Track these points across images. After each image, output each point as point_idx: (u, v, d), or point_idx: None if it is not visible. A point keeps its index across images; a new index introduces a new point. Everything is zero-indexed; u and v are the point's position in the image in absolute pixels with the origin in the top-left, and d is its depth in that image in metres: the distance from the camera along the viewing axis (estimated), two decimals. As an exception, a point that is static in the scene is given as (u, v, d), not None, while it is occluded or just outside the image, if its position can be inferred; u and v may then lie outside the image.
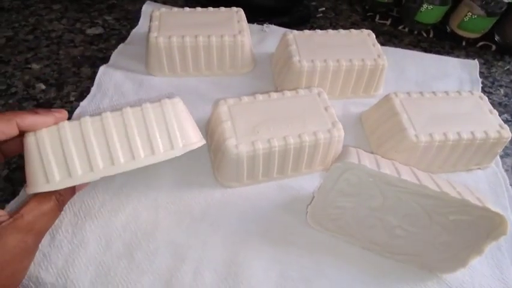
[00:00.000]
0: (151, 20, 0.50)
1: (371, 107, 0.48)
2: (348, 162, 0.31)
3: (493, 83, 0.57)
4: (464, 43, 0.63)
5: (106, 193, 0.39)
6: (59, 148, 0.30)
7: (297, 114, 0.40)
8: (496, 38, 0.63)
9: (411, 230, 0.34)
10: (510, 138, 0.42)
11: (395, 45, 0.62)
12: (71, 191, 0.32)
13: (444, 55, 0.60)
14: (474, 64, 0.58)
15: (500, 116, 0.52)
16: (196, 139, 0.33)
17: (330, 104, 0.42)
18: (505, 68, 0.59)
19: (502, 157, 0.47)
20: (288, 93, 0.42)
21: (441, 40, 0.64)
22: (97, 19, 0.61)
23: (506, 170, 0.46)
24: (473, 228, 0.31)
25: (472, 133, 0.41)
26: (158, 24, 0.50)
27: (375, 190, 0.32)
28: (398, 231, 0.34)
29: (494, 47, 0.62)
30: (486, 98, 0.45)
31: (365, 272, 0.36)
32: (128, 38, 0.56)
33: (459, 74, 0.57)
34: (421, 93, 0.45)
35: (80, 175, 0.30)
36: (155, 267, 0.35)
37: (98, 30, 0.59)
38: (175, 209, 0.39)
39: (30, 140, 0.30)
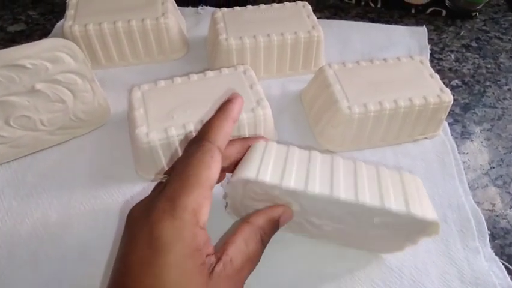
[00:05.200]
0: (67, 9, 0.47)
1: (308, 83, 0.44)
2: (242, 179, 0.26)
3: (443, 48, 0.54)
4: (413, 10, 0.60)
5: (14, 199, 0.36)
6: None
7: (217, 95, 0.37)
8: (447, 2, 0.60)
9: (339, 227, 0.30)
10: (452, 102, 0.39)
11: (342, 19, 0.58)
12: (276, 228, 0.27)
13: (393, 24, 0.57)
14: (422, 31, 0.55)
15: (450, 81, 0.50)
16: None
17: (257, 82, 0.39)
18: (460, 34, 0.56)
19: (451, 124, 0.44)
20: (210, 74, 0.39)
21: (389, 9, 0.60)
22: (20, 15, 0.57)
23: (455, 138, 0.43)
24: (402, 227, 0.27)
25: (410, 99, 0.38)
26: (74, 13, 0.46)
27: (287, 198, 0.28)
28: (325, 227, 0.30)
29: (444, 12, 0.59)
30: (427, 62, 0.42)
31: (297, 257, 0.33)
32: (52, 32, 0.53)
33: (407, 42, 0.54)
34: (357, 62, 0.42)
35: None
36: (62, 274, 0.31)
37: (20, 27, 0.55)
38: (89, 209, 0.35)
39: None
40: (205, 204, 0.23)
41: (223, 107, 0.29)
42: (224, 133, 0.27)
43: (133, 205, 0.25)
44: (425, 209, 0.26)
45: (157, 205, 0.22)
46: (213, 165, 0.24)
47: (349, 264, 0.33)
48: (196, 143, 0.26)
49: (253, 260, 0.25)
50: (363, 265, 0.33)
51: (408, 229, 0.27)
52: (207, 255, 0.22)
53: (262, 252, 0.26)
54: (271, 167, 0.26)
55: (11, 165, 0.38)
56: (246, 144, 0.29)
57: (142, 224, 0.22)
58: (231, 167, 0.29)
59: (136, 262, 0.21)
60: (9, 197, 0.36)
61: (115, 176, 0.38)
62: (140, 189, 0.37)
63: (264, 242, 0.26)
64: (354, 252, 0.33)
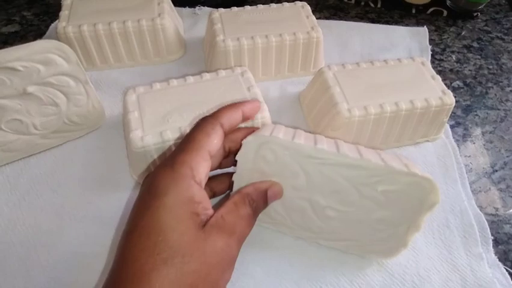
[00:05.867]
0: (61, 9, 0.46)
1: (307, 85, 0.44)
2: (258, 136, 0.28)
3: (444, 49, 0.54)
4: (414, 10, 0.59)
5: (6, 204, 0.35)
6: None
7: (214, 98, 0.36)
8: (448, 2, 0.59)
9: (343, 209, 0.30)
10: (454, 105, 0.38)
11: (341, 19, 0.57)
12: (263, 199, 0.29)
13: (394, 25, 0.56)
14: (423, 31, 0.54)
15: (452, 83, 0.49)
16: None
17: (255, 84, 0.38)
18: (461, 34, 0.55)
19: (452, 127, 0.44)
20: (207, 76, 0.38)
21: (389, 9, 0.60)
22: (15, 16, 0.56)
23: (457, 140, 0.42)
24: (404, 199, 0.28)
25: (412, 102, 0.37)
26: (68, 14, 0.45)
27: (294, 166, 0.28)
28: (328, 212, 0.30)
29: (445, 13, 0.59)
30: (428, 64, 0.41)
31: (296, 265, 0.32)
32: (46, 33, 0.52)
33: (408, 42, 0.53)
34: (357, 63, 0.41)
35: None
36: (55, 282, 0.30)
37: (14, 28, 0.54)
38: (82, 215, 0.34)
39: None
40: (203, 165, 0.26)
41: (239, 102, 0.32)
42: (230, 116, 0.29)
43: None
44: (423, 172, 0.27)
45: (161, 164, 0.26)
46: (213, 135, 0.27)
47: (350, 271, 0.32)
48: (201, 120, 0.29)
49: (245, 219, 0.26)
50: (364, 272, 0.32)
51: (411, 201, 0.28)
52: (203, 211, 0.24)
53: (255, 219, 0.28)
54: (283, 133, 0.29)
55: (3, 170, 0.37)
56: (252, 130, 0.31)
57: (148, 181, 0.25)
58: (236, 150, 0.30)
59: (137, 208, 0.24)
60: (0, 202, 0.35)
61: (110, 180, 0.37)
62: (134, 193, 0.36)
63: (252, 207, 0.27)
64: (355, 259, 0.32)
